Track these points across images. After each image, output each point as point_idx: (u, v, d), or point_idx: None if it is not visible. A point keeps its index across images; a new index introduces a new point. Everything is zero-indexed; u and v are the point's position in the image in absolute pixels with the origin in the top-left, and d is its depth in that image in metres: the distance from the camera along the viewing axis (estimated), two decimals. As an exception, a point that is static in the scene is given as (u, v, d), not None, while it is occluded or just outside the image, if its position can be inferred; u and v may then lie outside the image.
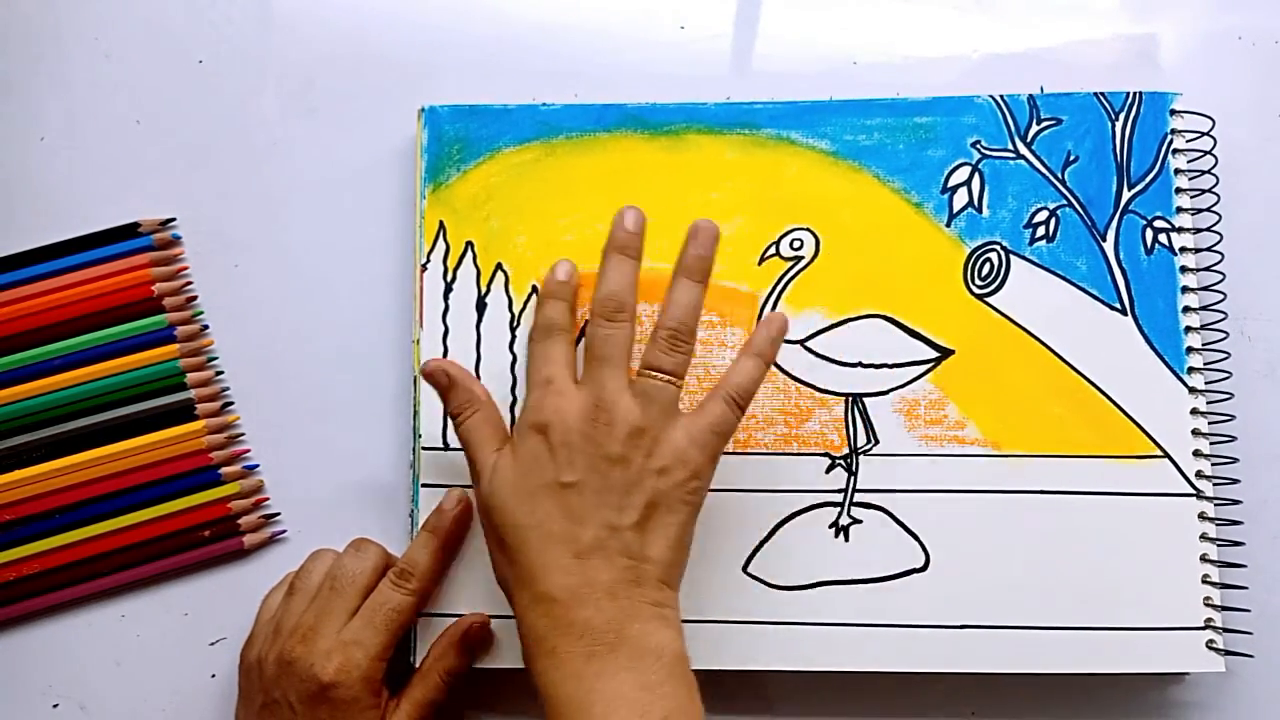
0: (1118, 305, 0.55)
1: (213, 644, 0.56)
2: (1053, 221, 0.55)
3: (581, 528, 0.46)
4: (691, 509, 0.48)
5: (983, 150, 0.56)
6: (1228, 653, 0.52)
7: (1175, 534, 0.53)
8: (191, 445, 0.56)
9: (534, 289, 0.56)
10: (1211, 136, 0.56)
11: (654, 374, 0.49)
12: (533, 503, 0.47)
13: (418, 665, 0.52)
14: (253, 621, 0.53)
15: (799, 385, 0.55)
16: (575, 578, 0.46)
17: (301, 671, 0.49)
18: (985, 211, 0.56)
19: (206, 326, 0.58)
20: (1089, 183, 0.56)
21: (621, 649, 0.45)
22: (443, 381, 0.52)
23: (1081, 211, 0.55)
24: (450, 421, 0.52)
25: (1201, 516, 0.53)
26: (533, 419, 0.49)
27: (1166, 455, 0.53)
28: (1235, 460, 0.54)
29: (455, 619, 0.53)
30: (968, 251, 0.55)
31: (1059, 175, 0.56)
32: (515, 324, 0.55)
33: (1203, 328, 0.55)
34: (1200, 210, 0.56)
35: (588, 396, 0.48)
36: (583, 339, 0.51)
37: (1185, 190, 0.55)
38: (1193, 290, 0.55)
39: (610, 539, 0.46)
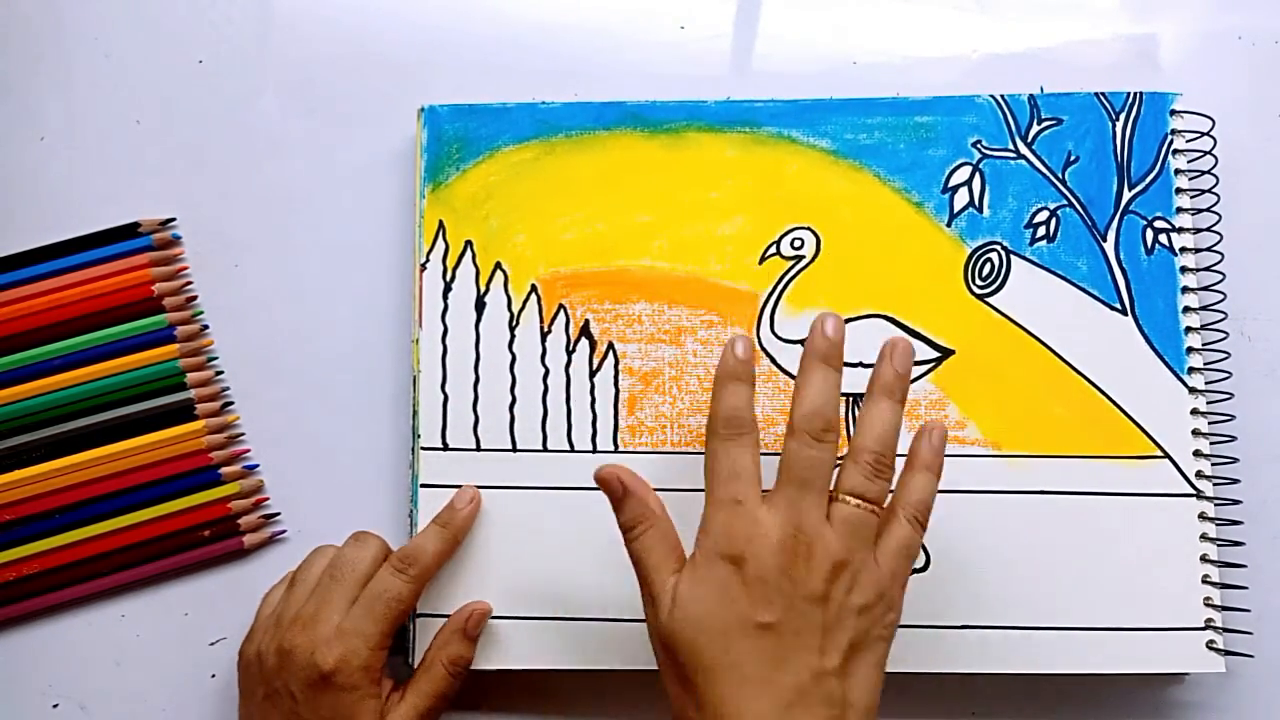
0: (1118, 305, 0.55)
1: (213, 644, 0.56)
2: (1053, 221, 0.55)
3: (782, 673, 0.43)
4: (887, 645, 0.45)
5: (983, 150, 0.56)
6: (1228, 653, 0.52)
7: (1175, 534, 0.53)
8: (191, 445, 0.56)
9: (533, 288, 0.56)
10: (1211, 136, 0.56)
11: (857, 501, 0.45)
12: (726, 642, 0.43)
13: (421, 658, 0.52)
14: (252, 620, 0.53)
15: (799, 385, 0.55)
16: None
17: (302, 660, 0.49)
18: (986, 211, 0.56)
19: (206, 326, 0.58)
20: (1089, 183, 0.56)
21: None
22: (617, 491, 0.48)
23: (1082, 211, 0.55)
24: (622, 535, 0.48)
25: (1201, 516, 0.53)
26: (724, 548, 0.44)
27: (1166, 455, 0.53)
28: (1235, 460, 0.54)
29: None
30: (968, 251, 0.55)
31: (1059, 175, 0.56)
32: (514, 323, 0.55)
33: (1203, 328, 0.55)
34: (1200, 210, 0.56)
35: (786, 526, 0.44)
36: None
37: (1185, 190, 0.55)
38: (1193, 290, 0.55)
39: (813, 686, 0.43)
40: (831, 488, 0.46)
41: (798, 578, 0.44)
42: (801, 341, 0.55)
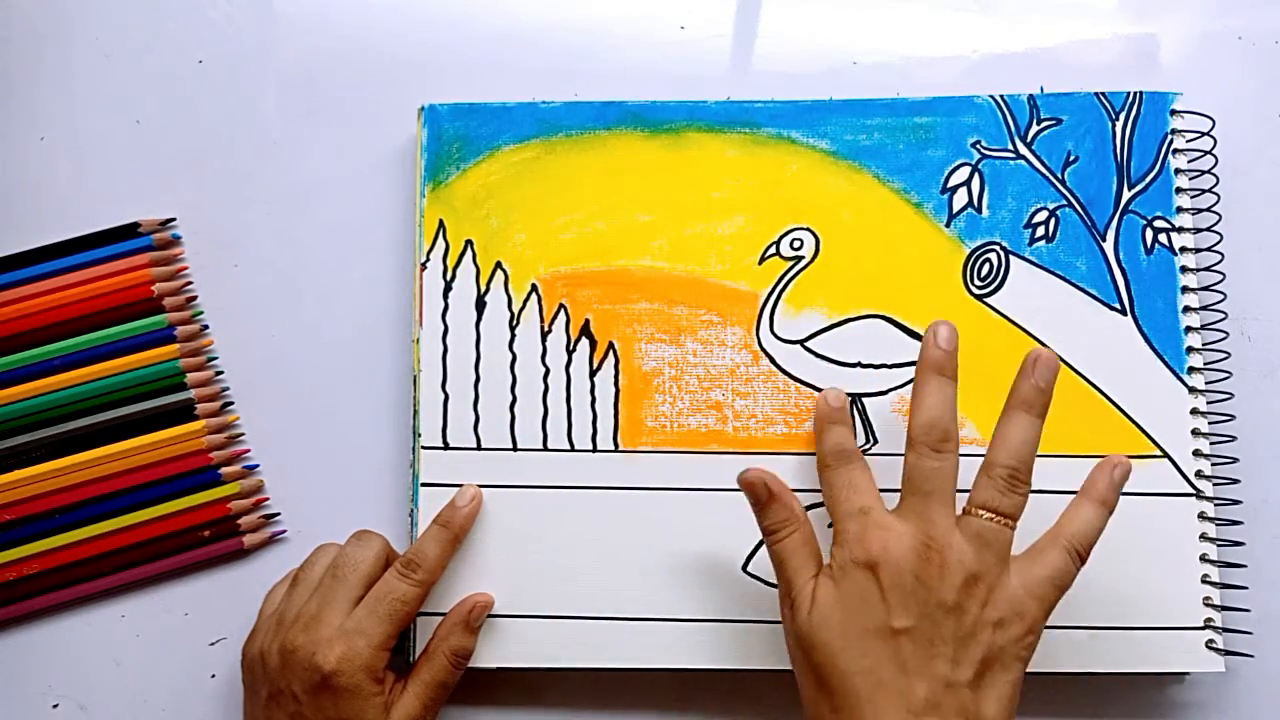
0: (1117, 305, 0.55)
1: (213, 644, 0.56)
2: (1052, 221, 0.55)
3: (915, 680, 0.43)
4: (1024, 666, 0.45)
5: (983, 150, 0.56)
6: (1228, 652, 0.52)
7: (1175, 534, 0.53)
8: (191, 445, 0.56)
9: (533, 287, 0.56)
10: (1212, 136, 0.56)
11: (990, 515, 0.45)
12: (862, 647, 0.44)
13: (423, 649, 0.53)
14: (253, 621, 0.53)
15: (799, 385, 0.55)
16: None
17: (304, 660, 0.49)
18: (985, 211, 0.56)
19: (206, 326, 0.58)
20: (1089, 183, 0.56)
21: None
22: (762, 495, 0.49)
23: (1081, 211, 0.55)
24: (764, 538, 0.49)
25: (1201, 516, 0.53)
26: (859, 554, 0.45)
27: (1166, 455, 0.53)
28: (1235, 460, 0.54)
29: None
30: (967, 252, 0.55)
31: (1059, 175, 0.56)
32: (515, 323, 0.55)
33: (1203, 328, 0.55)
34: (1200, 210, 0.56)
35: (917, 534, 0.45)
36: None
37: (1185, 190, 0.55)
38: (1193, 290, 0.55)
39: (945, 695, 0.43)
40: (967, 501, 0.46)
41: (932, 585, 0.44)
42: (800, 342, 0.55)
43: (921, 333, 0.55)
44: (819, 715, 0.45)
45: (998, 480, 0.46)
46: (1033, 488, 0.53)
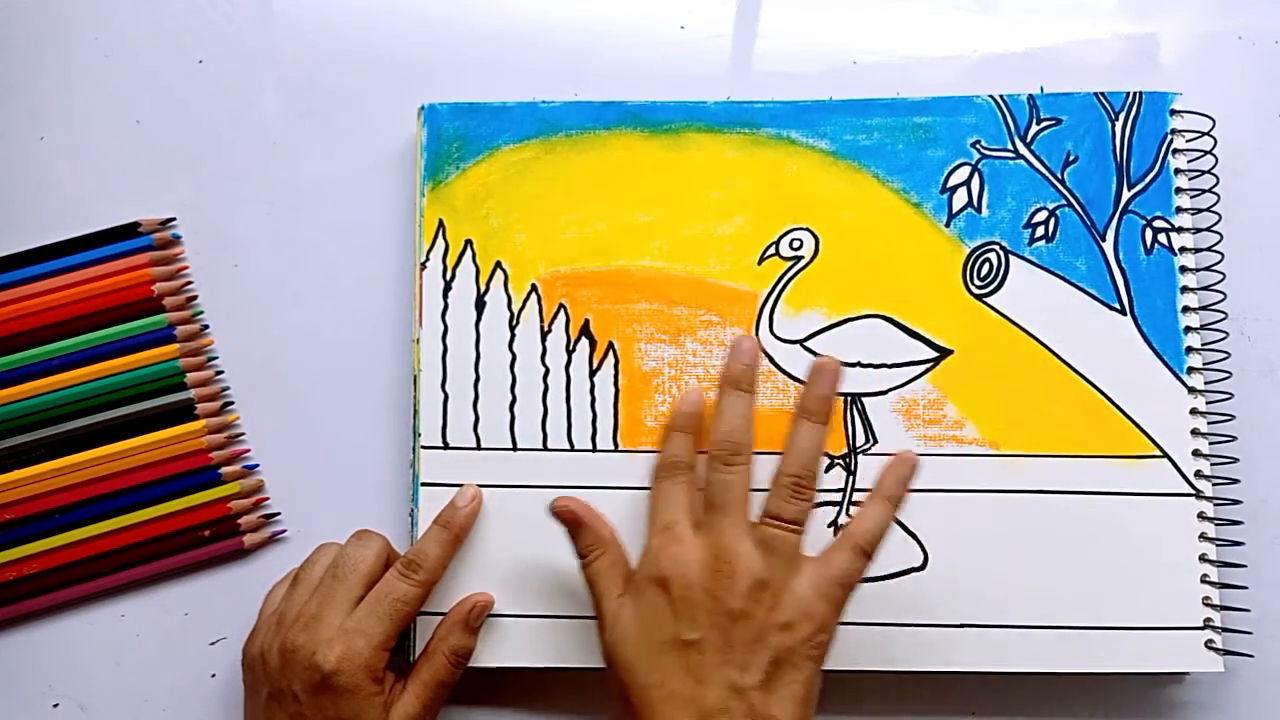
0: (1117, 305, 0.55)
1: (213, 644, 0.56)
2: (1052, 221, 0.55)
3: (704, 688, 0.45)
4: (816, 665, 0.46)
5: (982, 150, 0.56)
6: (1227, 652, 0.52)
7: (1175, 534, 0.53)
8: (191, 445, 0.56)
9: (533, 287, 0.56)
10: (1212, 136, 0.56)
11: (776, 523, 0.47)
12: (655, 660, 0.46)
13: (422, 649, 0.53)
14: (253, 621, 0.53)
15: (799, 385, 0.55)
16: None
17: (304, 660, 0.49)
18: (985, 211, 0.56)
19: (206, 326, 0.58)
20: (1089, 183, 0.56)
21: None
22: (571, 521, 0.51)
23: (1081, 211, 0.55)
24: (578, 562, 0.50)
25: (1201, 516, 0.53)
26: (653, 571, 0.47)
27: (1166, 455, 0.53)
28: (1235, 460, 0.54)
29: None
30: (967, 251, 0.55)
31: (1058, 175, 0.56)
32: (514, 322, 0.55)
33: (1203, 328, 0.55)
34: (1200, 210, 0.56)
35: (707, 547, 0.47)
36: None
37: (1185, 190, 0.55)
38: (1192, 290, 0.55)
39: (734, 701, 0.44)
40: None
41: (719, 596, 0.46)
42: (800, 342, 0.55)
43: (922, 333, 0.55)
44: None
45: (783, 490, 0.48)
46: (1034, 488, 0.53)
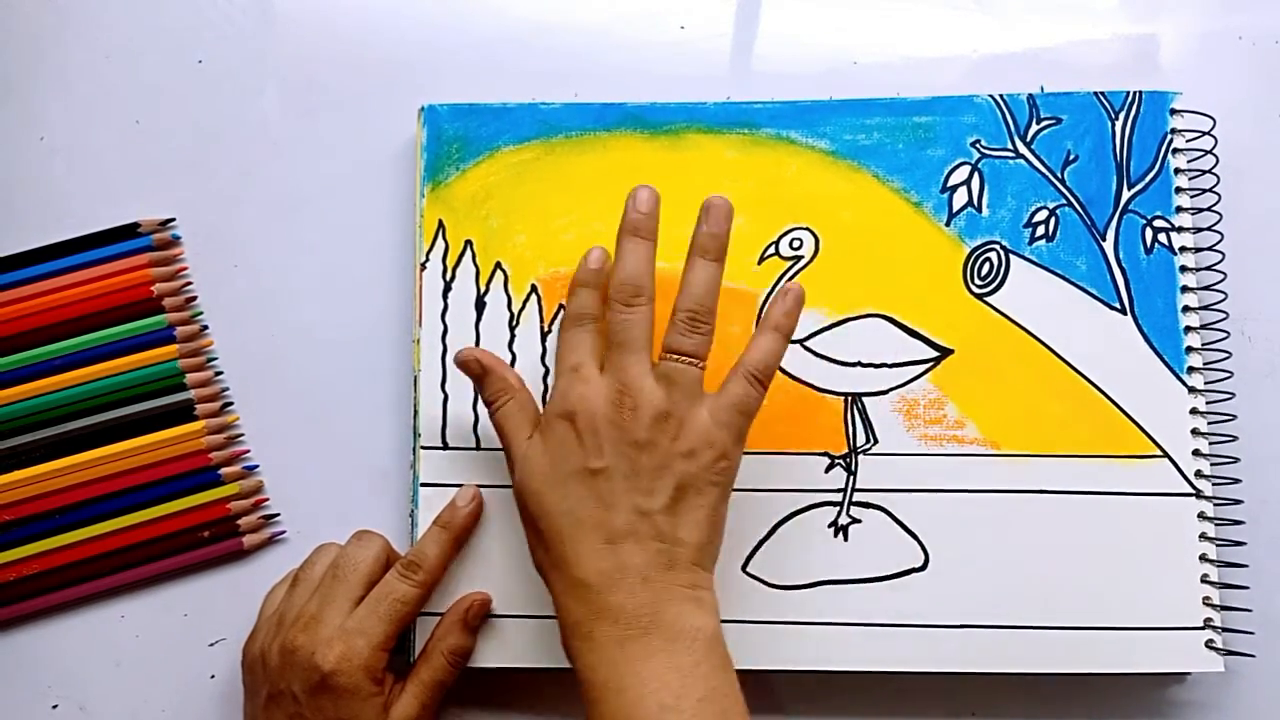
0: (1117, 305, 0.55)
1: (213, 644, 0.56)
2: (1052, 221, 0.55)
3: (612, 513, 0.47)
4: (721, 490, 0.48)
5: (982, 150, 0.56)
6: (1228, 652, 0.52)
7: (1175, 534, 0.53)
8: (191, 445, 0.56)
9: (533, 288, 0.56)
10: (1212, 136, 0.56)
11: (675, 357, 0.48)
12: (564, 490, 0.48)
13: (421, 649, 0.53)
14: (253, 622, 0.53)
15: (798, 385, 0.55)
16: (608, 563, 0.46)
17: (303, 660, 0.49)
18: (985, 211, 0.56)
19: (206, 326, 0.58)
20: (1089, 182, 0.56)
21: (656, 632, 0.45)
22: (475, 370, 0.52)
23: (1081, 211, 0.55)
24: (487, 410, 0.52)
25: (1201, 516, 0.53)
26: (560, 407, 0.49)
27: (1166, 455, 0.53)
28: (1235, 460, 0.54)
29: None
30: (967, 251, 0.55)
31: (1059, 175, 0.56)
32: (514, 323, 0.55)
33: (1203, 328, 0.55)
34: (1200, 210, 0.56)
35: (611, 383, 0.48)
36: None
37: (1185, 190, 0.55)
38: (1193, 290, 0.55)
39: (641, 523, 0.47)
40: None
41: (624, 426, 0.47)
42: (800, 342, 0.55)
43: (922, 332, 0.55)
44: (538, 561, 0.49)
45: (680, 324, 0.49)
46: (1035, 488, 0.53)
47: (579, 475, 0.47)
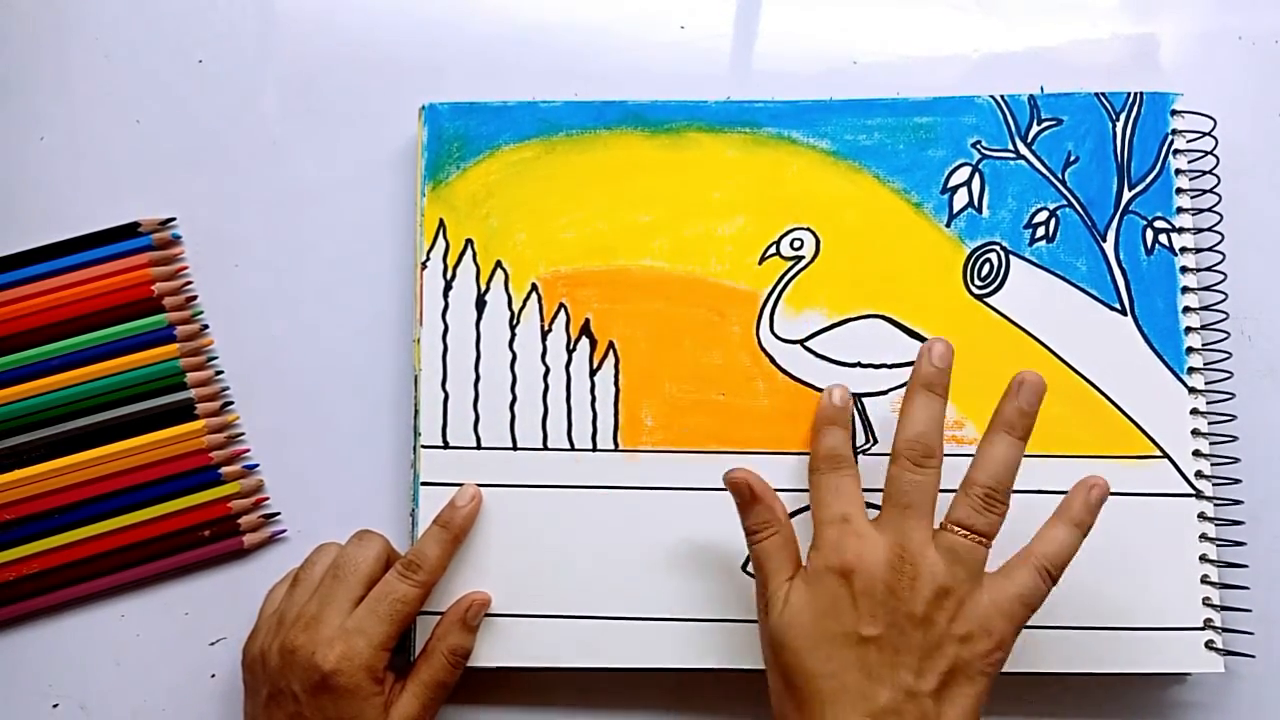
0: (1118, 305, 0.55)
1: (213, 644, 0.56)
2: (1053, 222, 0.55)
3: (878, 687, 0.44)
4: (988, 681, 0.46)
5: (983, 150, 0.56)
6: (1228, 653, 0.52)
7: (1175, 534, 0.53)
8: (191, 445, 0.56)
9: (534, 287, 0.56)
10: (1212, 136, 0.56)
11: (964, 532, 0.46)
12: (829, 650, 0.45)
13: (421, 649, 0.53)
14: (253, 621, 0.53)
15: (799, 385, 0.55)
16: None
17: (303, 660, 0.49)
18: (985, 212, 0.56)
19: (206, 326, 0.58)
20: (1089, 183, 0.56)
21: None
22: (746, 495, 0.49)
23: (1081, 212, 0.55)
24: (746, 537, 0.50)
25: (1201, 516, 0.53)
26: (834, 560, 0.46)
27: (1166, 455, 0.53)
28: (1236, 460, 0.54)
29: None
30: (967, 252, 0.55)
31: (1059, 175, 0.56)
32: (515, 322, 0.55)
33: (1203, 328, 0.55)
34: (1201, 210, 0.56)
35: (892, 545, 0.46)
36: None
37: (1186, 190, 0.55)
38: (1193, 290, 0.55)
39: (907, 704, 0.44)
40: (944, 518, 0.47)
41: (902, 596, 0.45)
42: (800, 342, 0.55)
43: (922, 332, 0.55)
44: (783, 714, 0.46)
45: (974, 499, 0.47)
46: (1035, 488, 0.53)
47: (848, 639, 0.45)
